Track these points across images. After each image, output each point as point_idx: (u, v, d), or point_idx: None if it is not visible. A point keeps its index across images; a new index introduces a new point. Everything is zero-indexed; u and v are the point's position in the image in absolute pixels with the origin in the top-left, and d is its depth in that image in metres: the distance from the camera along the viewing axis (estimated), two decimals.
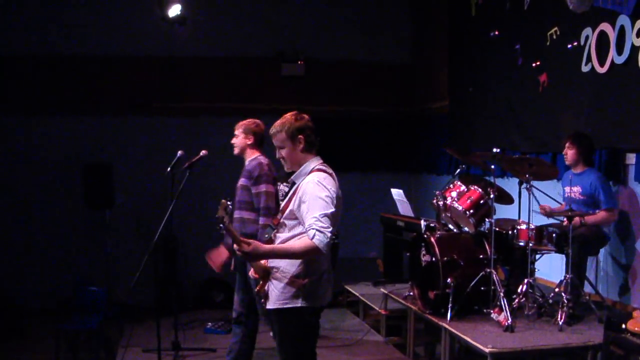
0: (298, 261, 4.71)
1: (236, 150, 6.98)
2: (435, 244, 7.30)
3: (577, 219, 6.86)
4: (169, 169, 7.27)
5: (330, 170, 4.85)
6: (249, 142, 6.91)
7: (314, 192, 4.61)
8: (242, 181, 6.84)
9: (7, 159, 11.16)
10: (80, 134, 11.40)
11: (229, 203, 4.60)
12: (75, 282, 9.75)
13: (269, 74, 12.14)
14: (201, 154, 7.03)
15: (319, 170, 4.80)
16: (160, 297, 6.62)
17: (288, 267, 4.75)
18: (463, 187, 7.60)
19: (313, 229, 4.49)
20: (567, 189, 7.47)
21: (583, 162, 7.36)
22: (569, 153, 7.35)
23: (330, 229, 4.50)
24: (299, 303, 4.75)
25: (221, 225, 4.55)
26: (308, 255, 4.62)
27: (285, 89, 12.17)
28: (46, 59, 11.26)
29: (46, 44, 11.21)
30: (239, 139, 6.95)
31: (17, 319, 10.03)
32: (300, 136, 4.84)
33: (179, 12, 10.68)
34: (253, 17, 12.05)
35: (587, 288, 7.26)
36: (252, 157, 6.92)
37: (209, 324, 9.17)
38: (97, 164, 10.43)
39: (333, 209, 4.57)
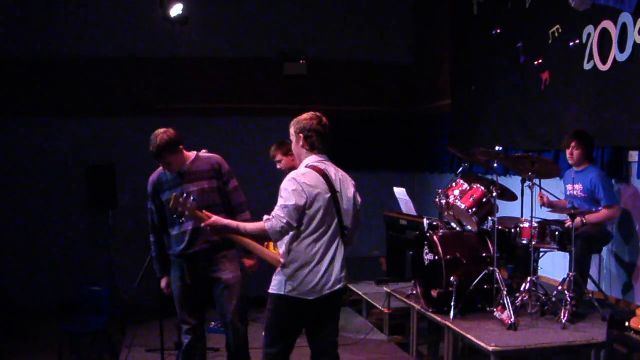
0: (289, 251, 5.10)
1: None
2: (438, 243, 7.30)
3: (578, 219, 6.85)
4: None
5: (324, 166, 5.22)
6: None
7: (283, 185, 5.07)
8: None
9: (10, 160, 11.16)
10: (82, 135, 11.40)
11: (184, 195, 5.40)
12: (78, 282, 9.75)
13: (271, 74, 12.13)
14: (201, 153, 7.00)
15: (309, 166, 5.19)
16: (163, 297, 6.60)
17: (283, 256, 5.15)
18: (465, 186, 7.60)
19: (271, 214, 5.00)
20: (569, 186, 7.47)
21: (586, 160, 7.36)
22: (575, 153, 7.32)
23: (284, 220, 4.95)
24: (282, 290, 5.14)
25: (181, 218, 5.45)
26: (258, 237, 5.23)
27: (288, 88, 12.16)
28: (48, 60, 11.25)
29: (48, 45, 11.21)
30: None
31: (20, 320, 10.04)
32: (301, 134, 5.27)
33: (180, 12, 10.69)
34: (255, 16, 12.05)
35: (590, 286, 7.25)
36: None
37: (212, 323, 9.16)
38: (100, 165, 10.42)
39: (294, 202, 4.97)
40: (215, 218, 5.33)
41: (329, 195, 5.10)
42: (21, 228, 11.22)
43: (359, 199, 5.42)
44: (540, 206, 7.53)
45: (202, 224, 5.34)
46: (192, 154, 6.52)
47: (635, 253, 7.36)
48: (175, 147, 6.31)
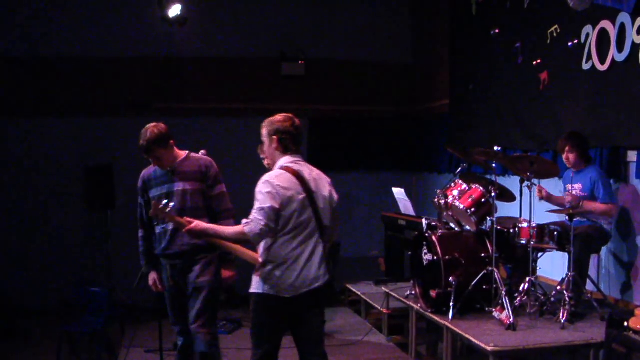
0: (265, 250, 5.17)
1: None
2: (437, 243, 7.30)
3: (572, 198, 6.86)
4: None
5: (298, 167, 5.26)
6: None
7: (258, 188, 5.11)
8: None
9: (8, 160, 11.17)
10: (80, 135, 11.40)
11: (164, 202, 5.52)
12: (77, 283, 9.74)
13: (269, 74, 12.14)
14: (200, 153, 6.97)
15: (282, 167, 5.23)
16: (162, 297, 6.59)
17: (261, 257, 5.23)
18: (464, 186, 7.60)
19: (250, 218, 5.04)
20: (569, 186, 7.47)
21: (584, 161, 7.36)
22: (571, 157, 7.34)
23: (263, 222, 4.99)
24: (261, 289, 5.20)
25: (162, 225, 5.61)
26: (238, 241, 5.30)
27: (286, 89, 12.17)
28: (45, 60, 11.26)
29: (46, 45, 11.20)
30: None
31: (19, 320, 10.02)
32: (274, 136, 5.30)
33: (179, 13, 10.67)
34: (253, 17, 12.05)
35: (589, 286, 7.26)
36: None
37: None
38: (98, 165, 10.41)
39: (270, 204, 5.01)
40: (195, 223, 5.39)
41: (303, 196, 5.16)
42: (19, 228, 11.22)
43: (335, 196, 5.46)
44: (540, 199, 7.53)
45: (183, 230, 5.43)
46: (183, 153, 6.44)
47: (634, 253, 7.37)
48: (165, 141, 6.26)
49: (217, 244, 5.57)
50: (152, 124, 6.30)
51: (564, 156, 7.41)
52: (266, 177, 5.16)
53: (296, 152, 5.36)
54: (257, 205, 5.05)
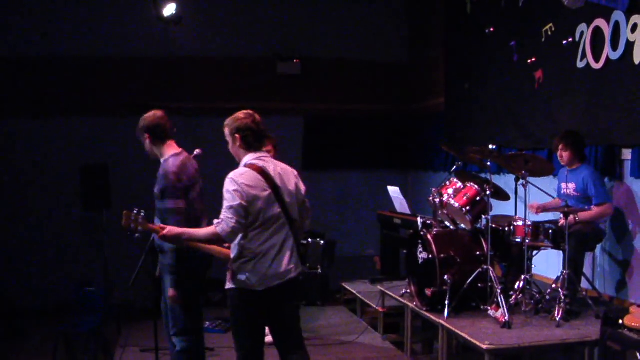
0: (236, 246, 5.28)
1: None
2: (432, 241, 7.31)
3: (571, 217, 6.85)
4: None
5: (262, 164, 5.34)
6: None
7: (225, 187, 5.20)
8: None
9: (4, 160, 11.15)
10: (76, 135, 11.41)
11: (135, 211, 5.45)
12: (73, 282, 9.73)
13: (265, 73, 12.15)
14: (195, 153, 6.94)
15: (247, 165, 5.32)
16: (157, 297, 6.59)
17: (232, 252, 5.35)
18: (459, 184, 7.61)
19: (220, 218, 5.14)
20: (563, 185, 7.49)
21: (578, 159, 7.38)
22: (565, 155, 7.37)
23: (233, 220, 5.09)
24: (234, 284, 5.31)
25: (136, 234, 5.44)
26: (212, 241, 5.36)
27: (281, 88, 12.19)
28: (41, 60, 11.26)
29: (41, 44, 11.20)
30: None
31: (15, 320, 10.02)
32: (237, 135, 5.39)
33: (174, 12, 10.67)
34: (249, 16, 12.06)
35: (584, 284, 7.28)
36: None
37: (207, 323, 9.14)
38: (94, 165, 10.40)
39: (239, 202, 5.09)
40: (168, 229, 5.43)
41: (269, 192, 5.24)
42: (15, 228, 11.21)
43: (302, 187, 5.56)
44: (536, 214, 7.57)
45: (158, 236, 5.51)
46: (168, 153, 6.26)
47: (629, 251, 7.38)
48: (141, 131, 6.27)
49: (194, 247, 5.61)
50: (153, 112, 6.31)
51: (558, 154, 7.44)
52: (231, 175, 5.26)
53: (259, 148, 5.44)
54: (225, 204, 5.15)
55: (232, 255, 5.33)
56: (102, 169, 10.36)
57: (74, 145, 11.33)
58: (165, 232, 5.39)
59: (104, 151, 11.21)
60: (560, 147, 7.39)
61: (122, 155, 11.26)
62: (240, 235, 5.23)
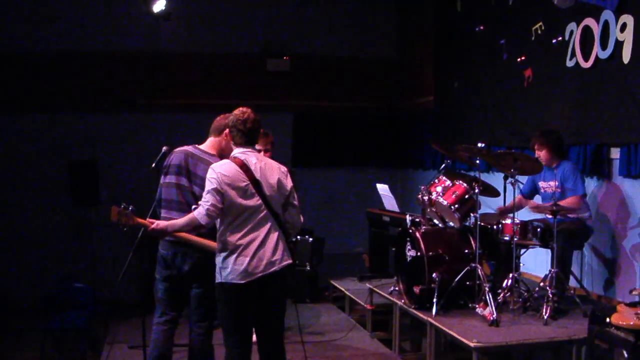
0: (218, 239, 5.41)
1: None
2: (420, 239, 7.31)
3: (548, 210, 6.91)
4: (153, 165, 7.21)
5: (244, 157, 5.43)
6: None
7: (206, 175, 5.39)
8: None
9: None
10: (65, 130, 11.38)
11: (122, 206, 5.52)
12: (60, 279, 9.71)
13: (254, 70, 12.14)
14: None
15: (230, 158, 5.50)
16: (146, 293, 6.57)
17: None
18: (448, 182, 7.61)
19: (198, 203, 5.37)
20: (544, 184, 7.55)
21: (557, 158, 7.41)
22: (542, 155, 7.43)
23: (209, 202, 5.23)
24: (218, 278, 5.40)
25: (125, 228, 5.54)
26: (190, 226, 5.40)
27: (271, 84, 12.19)
28: (29, 55, 11.21)
29: (29, 39, 11.16)
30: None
31: (2, 316, 9.98)
32: (226, 131, 5.74)
33: (163, 7, 10.64)
34: (238, 12, 12.04)
35: (572, 282, 7.30)
36: None
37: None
38: (83, 161, 10.38)
39: (214, 186, 5.25)
40: (156, 223, 5.54)
41: (246, 183, 5.33)
42: (2, 224, 11.15)
43: (287, 184, 5.57)
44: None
45: (148, 230, 5.57)
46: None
47: (617, 250, 7.41)
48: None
49: (183, 239, 5.71)
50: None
51: (536, 154, 7.46)
52: (212, 165, 5.45)
53: (246, 144, 5.52)
54: (205, 191, 5.34)
55: (216, 250, 5.42)
56: (90, 164, 10.34)
57: (62, 141, 11.29)
58: (153, 226, 5.49)
59: (92, 147, 11.18)
60: (535, 147, 7.47)
61: (111, 151, 11.24)
62: (221, 229, 5.35)
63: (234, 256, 5.29)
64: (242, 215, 5.32)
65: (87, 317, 8.26)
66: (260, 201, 5.35)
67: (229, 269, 5.30)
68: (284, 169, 5.63)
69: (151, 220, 5.62)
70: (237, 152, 5.50)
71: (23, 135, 11.27)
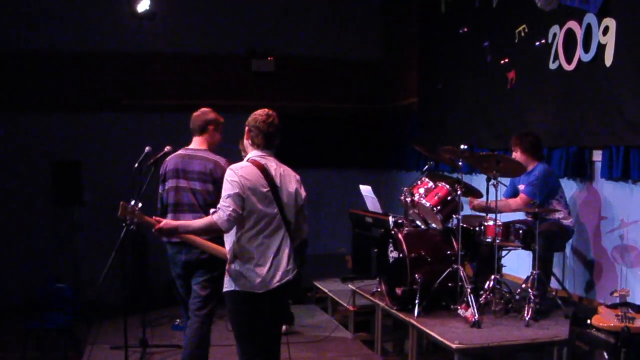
0: (232, 247, 5.19)
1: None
2: (402, 240, 7.33)
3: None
4: (136, 165, 7.21)
5: (264, 161, 5.29)
6: None
7: (225, 177, 5.19)
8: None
9: None
10: (48, 130, 11.31)
11: (131, 203, 5.43)
12: (43, 279, 9.66)
13: (239, 71, 12.14)
14: (165, 150, 6.91)
15: (249, 160, 5.31)
16: (128, 294, 6.57)
17: (228, 254, 5.26)
18: (431, 184, 7.63)
19: (217, 207, 5.10)
20: (521, 187, 7.56)
21: (532, 159, 7.47)
22: (517, 156, 7.47)
23: (230, 208, 5.02)
24: (231, 287, 5.21)
25: (131, 226, 5.45)
26: (209, 231, 5.22)
27: (256, 85, 12.19)
28: (12, 54, 11.15)
29: (13, 39, 11.10)
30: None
31: None
32: (247, 128, 5.43)
33: (147, 8, 10.63)
34: (223, 13, 12.02)
35: (554, 284, 7.33)
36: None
37: (177, 320, 9.14)
38: (66, 161, 10.35)
39: (237, 191, 5.05)
40: (164, 222, 5.38)
41: (267, 189, 5.18)
42: None
43: (302, 193, 5.49)
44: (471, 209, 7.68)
45: (153, 230, 5.39)
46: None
47: (598, 252, 7.44)
48: None
49: (189, 240, 5.59)
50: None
51: (512, 155, 7.51)
52: (232, 166, 5.24)
53: (265, 147, 5.37)
54: (223, 193, 5.10)
55: (228, 257, 5.24)
56: (74, 165, 10.31)
57: (46, 142, 11.24)
58: (161, 225, 5.31)
59: (76, 147, 11.14)
60: (512, 149, 7.50)
61: (95, 151, 11.20)
62: (237, 236, 5.16)
63: (252, 265, 5.15)
64: (260, 223, 5.16)
65: (69, 317, 8.23)
66: (276, 209, 5.22)
67: (244, 278, 5.15)
68: (298, 177, 5.54)
69: (158, 218, 5.46)
70: (255, 155, 5.34)
71: (5, 134, 11.21)
